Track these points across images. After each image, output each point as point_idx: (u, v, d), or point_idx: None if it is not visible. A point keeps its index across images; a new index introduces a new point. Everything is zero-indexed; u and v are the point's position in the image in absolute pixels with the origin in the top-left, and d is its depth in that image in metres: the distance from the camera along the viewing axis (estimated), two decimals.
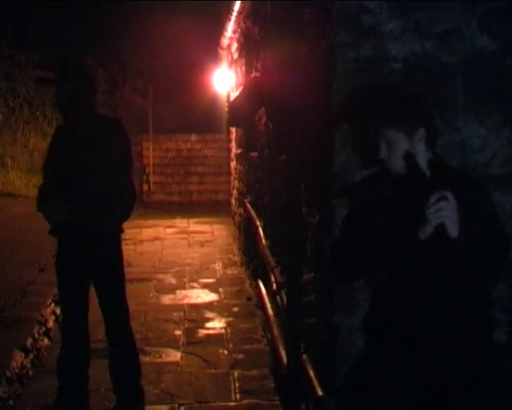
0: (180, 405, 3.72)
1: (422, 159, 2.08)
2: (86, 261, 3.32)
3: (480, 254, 1.95)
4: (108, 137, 3.32)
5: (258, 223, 5.54)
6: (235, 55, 8.64)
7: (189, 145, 13.07)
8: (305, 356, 3.06)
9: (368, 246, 2.09)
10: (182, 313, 5.43)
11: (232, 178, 10.22)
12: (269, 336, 4.48)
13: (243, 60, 7.36)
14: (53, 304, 4.82)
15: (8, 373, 3.59)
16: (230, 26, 8.01)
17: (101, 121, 3.40)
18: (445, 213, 1.85)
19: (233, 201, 10.01)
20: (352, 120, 2.49)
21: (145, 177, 12.42)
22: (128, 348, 3.51)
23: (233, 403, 3.77)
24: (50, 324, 4.63)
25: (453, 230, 1.86)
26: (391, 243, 2.03)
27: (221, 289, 6.18)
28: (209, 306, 5.68)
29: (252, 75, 6.07)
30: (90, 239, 3.28)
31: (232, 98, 8.68)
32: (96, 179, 3.25)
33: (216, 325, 5.19)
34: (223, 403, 3.76)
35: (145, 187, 12.40)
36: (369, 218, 2.11)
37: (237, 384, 4.00)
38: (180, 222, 10.38)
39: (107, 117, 3.55)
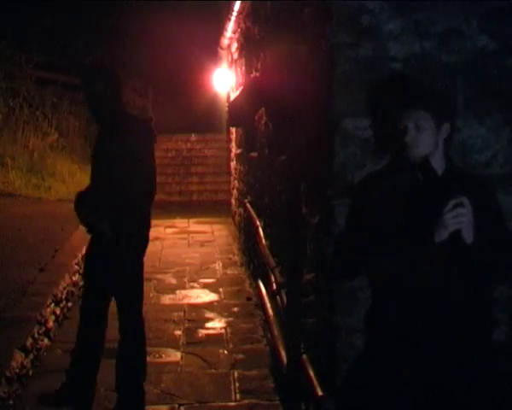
0: (180, 405, 3.72)
1: (439, 155, 2.08)
2: (106, 261, 3.38)
3: (490, 255, 1.96)
4: (131, 138, 3.34)
5: (258, 223, 5.54)
6: (235, 55, 8.64)
7: (189, 145, 13.07)
8: (305, 356, 3.06)
9: (374, 242, 2.08)
10: (182, 313, 5.42)
11: (232, 178, 10.22)
12: (269, 336, 4.48)
13: (243, 60, 7.36)
14: (53, 304, 4.82)
15: (8, 373, 3.59)
16: (230, 26, 8.00)
17: (128, 122, 3.44)
18: (462, 219, 1.88)
19: (233, 201, 10.01)
20: (375, 108, 2.48)
21: None
22: (138, 349, 3.55)
23: (233, 403, 3.77)
24: (50, 324, 4.63)
25: (469, 236, 1.89)
26: (401, 240, 2.03)
27: (221, 289, 6.18)
28: (209, 306, 5.68)
29: (252, 75, 6.07)
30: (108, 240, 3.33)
31: (232, 98, 8.68)
32: (110, 179, 3.32)
33: (216, 325, 5.18)
34: (223, 403, 3.76)
35: None
36: (378, 213, 2.10)
37: (237, 384, 4.00)
38: (180, 222, 10.38)
39: (135, 118, 3.62)
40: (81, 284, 5.97)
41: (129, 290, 3.49)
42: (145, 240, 3.54)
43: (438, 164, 2.07)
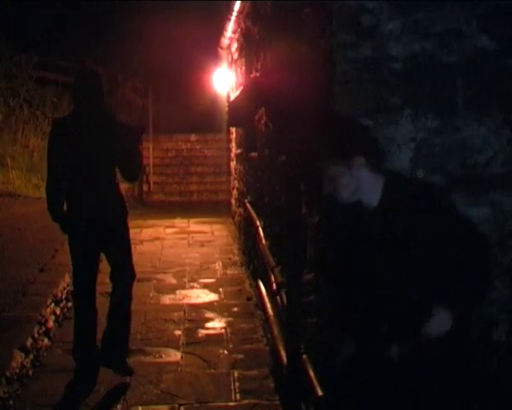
0: (180, 405, 3.72)
1: (370, 185, 2.03)
2: (97, 236, 3.90)
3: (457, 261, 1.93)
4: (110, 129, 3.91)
5: (258, 223, 5.54)
6: (235, 55, 8.64)
7: (189, 145, 13.07)
8: (305, 356, 3.06)
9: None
10: (182, 313, 5.42)
11: (232, 178, 10.22)
12: (269, 336, 4.48)
13: (243, 60, 7.36)
14: (53, 304, 4.82)
15: (8, 373, 3.59)
16: (230, 26, 8.00)
17: (106, 116, 4.00)
18: None
19: (233, 201, 10.01)
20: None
21: (145, 177, 12.41)
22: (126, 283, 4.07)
23: (233, 403, 3.77)
24: (50, 324, 4.63)
25: None
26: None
27: (221, 289, 6.18)
28: (209, 306, 5.67)
29: (252, 75, 6.07)
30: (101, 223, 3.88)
31: (232, 98, 8.68)
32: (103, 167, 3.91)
33: (216, 325, 5.18)
34: (223, 403, 3.76)
35: (145, 187, 12.38)
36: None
37: (237, 384, 4.00)
38: (180, 222, 10.38)
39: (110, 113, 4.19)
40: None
41: (125, 249, 4.11)
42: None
43: (371, 197, 2.03)
